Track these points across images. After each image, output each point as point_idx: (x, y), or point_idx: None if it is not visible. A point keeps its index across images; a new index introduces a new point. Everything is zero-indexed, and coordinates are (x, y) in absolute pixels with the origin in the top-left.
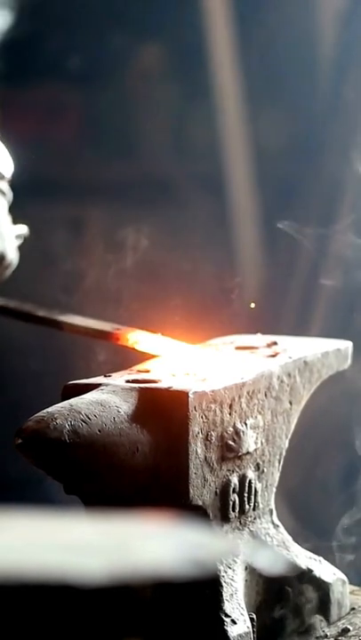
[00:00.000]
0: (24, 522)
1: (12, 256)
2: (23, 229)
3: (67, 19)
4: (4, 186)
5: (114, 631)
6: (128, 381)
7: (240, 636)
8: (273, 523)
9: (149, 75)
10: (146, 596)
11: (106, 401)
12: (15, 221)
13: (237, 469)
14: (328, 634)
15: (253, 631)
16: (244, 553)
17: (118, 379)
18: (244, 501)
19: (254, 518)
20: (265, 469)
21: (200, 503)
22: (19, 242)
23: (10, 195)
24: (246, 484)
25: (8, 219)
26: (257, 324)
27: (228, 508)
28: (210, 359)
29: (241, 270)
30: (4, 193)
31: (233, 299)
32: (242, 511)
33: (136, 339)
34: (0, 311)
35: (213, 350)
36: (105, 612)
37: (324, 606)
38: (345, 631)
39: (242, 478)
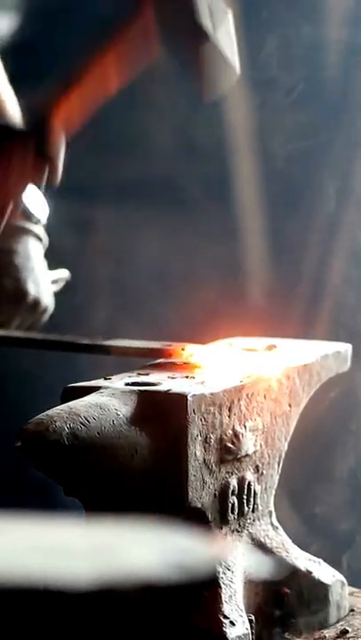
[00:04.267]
0: (11, 525)
1: (47, 301)
2: (64, 273)
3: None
4: (40, 231)
5: (103, 635)
6: (127, 384)
7: (239, 637)
8: (272, 525)
9: (156, 75)
10: (136, 598)
11: (105, 404)
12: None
13: (236, 472)
14: (327, 635)
15: (252, 632)
16: (243, 555)
17: (118, 382)
18: (244, 504)
19: (253, 520)
20: (264, 472)
21: (199, 505)
22: (59, 286)
23: (46, 239)
24: (245, 487)
25: (44, 264)
26: (262, 326)
27: (227, 510)
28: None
29: (246, 272)
30: (40, 238)
31: (238, 301)
32: (241, 513)
33: (189, 352)
34: (42, 345)
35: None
36: (94, 616)
37: (323, 608)
38: (344, 633)
39: (241, 480)
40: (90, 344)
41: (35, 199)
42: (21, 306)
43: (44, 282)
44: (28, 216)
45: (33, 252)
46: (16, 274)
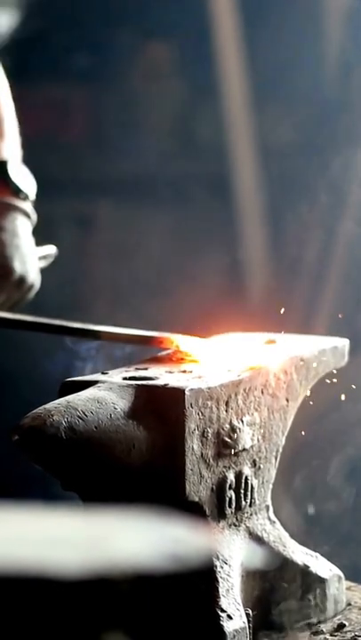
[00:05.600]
0: (2, 515)
1: (33, 279)
2: (51, 250)
3: (73, 17)
4: (28, 207)
5: (94, 625)
6: (125, 378)
7: (236, 631)
8: (269, 519)
9: (156, 73)
10: (133, 591)
11: (103, 398)
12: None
13: (234, 466)
14: (324, 629)
15: (249, 627)
16: (240, 549)
17: (115, 376)
18: (241, 498)
19: (251, 514)
20: (261, 466)
21: (196, 499)
22: (46, 262)
23: (34, 216)
24: (243, 481)
25: (32, 241)
26: (262, 321)
27: (224, 504)
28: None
29: (246, 268)
30: (28, 215)
31: (238, 296)
32: (238, 507)
33: (178, 341)
34: (34, 327)
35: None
36: (90, 606)
37: (320, 602)
38: (341, 627)
39: (238, 475)
40: (81, 328)
41: (22, 175)
42: (7, 283)
43: (30, 259)
44: (15, 192)
45: (20, 228)
46: (2, 250)
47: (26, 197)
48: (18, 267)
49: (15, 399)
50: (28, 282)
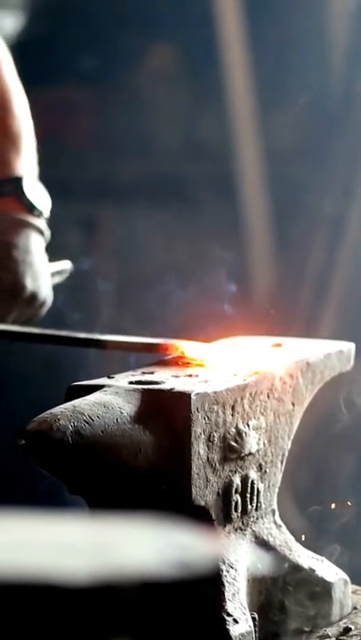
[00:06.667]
0: (9, 521)
1: (45, 295)
2: (66, 265)
3: (79, 19)
4: (42, 224)
5: (105, 632)
6: (131, 383)
7: (242, 635)
8: (275, 523)
9: (161, 75)
10: (139, 596)
11: (109, 402)
12: (55, 256)
13: (240, 470)
14: (330, 633)
15: (255, 631)
16: (246, 553)
17: (121, 380)
18: (247, 502)
19: (257, 518)
20: (267, 470)
21: (202, 504)
22: (61, 278)
23: (48, 233)
24: (249, 485)
25: (45, 257)
26: (267, 325)
27: (230, 508)
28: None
29: (252, 271)
30: (42, 232)
31: (243, 300)
32: (244, 511)
33: (184, 347)
34: (38, 339)
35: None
36: (95, 612)
37: (326, 606)
38: (347, 630)
39: (244, 479)
40: (86, 338)
41: (37, 192)
42: (18, 299)
43: (42, 276)
44: (30, 209)
45: (33, 245)
46: (14, 267)
47: (40, 214)
48: (29, 284)
49: (21, 403)
50: (39, 299)
